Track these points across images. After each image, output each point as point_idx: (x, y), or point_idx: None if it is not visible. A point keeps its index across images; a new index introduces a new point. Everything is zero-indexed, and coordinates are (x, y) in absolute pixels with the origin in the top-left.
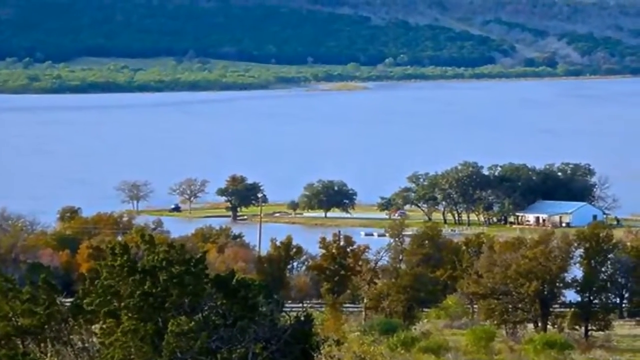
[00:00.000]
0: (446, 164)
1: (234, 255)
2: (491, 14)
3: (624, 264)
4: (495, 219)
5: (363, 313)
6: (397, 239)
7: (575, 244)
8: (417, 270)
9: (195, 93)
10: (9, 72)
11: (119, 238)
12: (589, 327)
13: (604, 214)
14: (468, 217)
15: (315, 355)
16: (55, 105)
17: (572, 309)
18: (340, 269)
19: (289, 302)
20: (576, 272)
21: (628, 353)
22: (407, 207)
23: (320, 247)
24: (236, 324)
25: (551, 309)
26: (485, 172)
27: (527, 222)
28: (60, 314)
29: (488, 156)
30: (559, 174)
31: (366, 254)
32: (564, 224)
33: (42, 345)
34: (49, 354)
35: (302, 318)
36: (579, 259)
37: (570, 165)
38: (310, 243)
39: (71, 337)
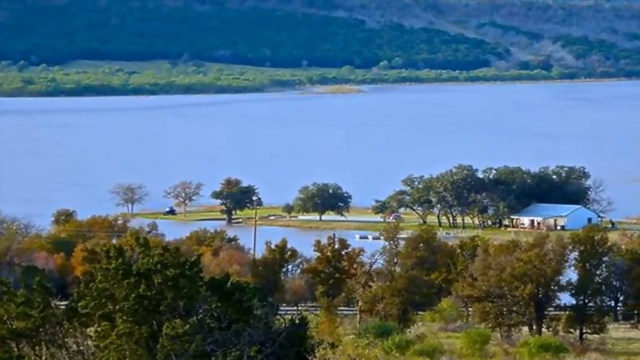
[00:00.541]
0: (441, 167)
1: (229, 259)
2: (486, 17)
3: (618, 267)
4: (490, 222)
5: (358, 316)
6: (391, 242)
7: (570, 247)
8: (411, 273)
9: (190, 96)
10: (4, 75)
11: (114, 241)
12: (584, 330)
13: (599, 216)
14: (463, 220)
15: (310, 358)
16: (50, 108)
17: (567, 312)
18: (335, 272)
19: (284, 305)
20: (571, 275)
21: (623, 356)
22: (401, 210)
23: (315, 250)
24: (231, 327)
25: (546, 312)
26: (480, 175)
27: (522, 225)
28: (55, 317)
29: (483, 159)
30: (554, 176)
31: (361, 257)
32: (558, 227)
33: (36, 348)
34: (43, 357)
35: (297, 321)
36: (573, 262)
37: (565, 168)
38: (305, 246)
39: (66, 340)
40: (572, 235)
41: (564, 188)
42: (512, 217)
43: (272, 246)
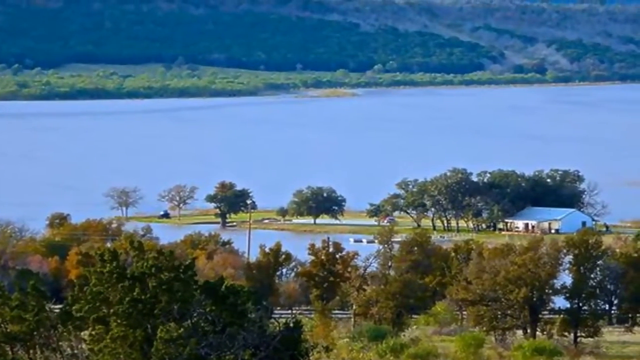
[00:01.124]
0: (435, 171)
1: (223, 262)
2: (480, 21)
3: (613, 270)
4: (484, 226)
5: (352, 319)
6: (386, 245)
7: (565, 251)
8: (406, 276)
9: (185, 99)
10: None
11: (108, 244)
12: (578, 334)
13: (593, 220)
14: (457, 223)
15: None
16: (45, 111)
17: (561, 316)
18: (329, 276)
19: (278, 308)
20: (565, 278)
21: (617, 359)
22: (396, 213)
23: (309, 254)
24: (225, 330)
25: (540, 316)
26: (475, 178)
27: (516, 229)
28: (50, 321)
29: (477, 163)
30: (548, 180)
31: (355, 260)
32: (553, 231)
33: (31, 351)
34: None
35: (291, 324)
36: (568, 265)
37: (560, 172)
38: (300, 249)
39: (60, 343)
40: (567, 238)
41: (559, 191)
42: (506, 220)
43: (267, 250)
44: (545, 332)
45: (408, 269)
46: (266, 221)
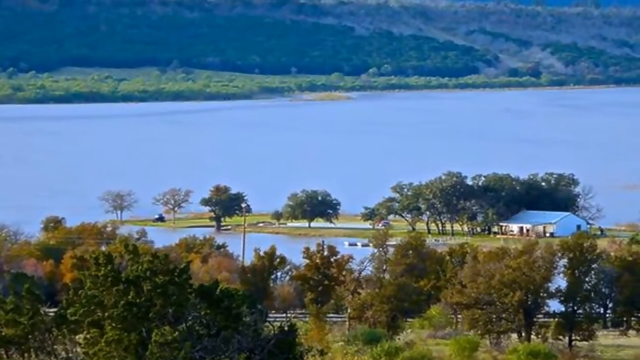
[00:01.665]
0: (430, 174)
1: (218, 265)
2: (475, 24)
3: (607, 274)
4: (479, 229)
5: (347, 323)
6: (380, 249)
7: (559, 254)
8: (400, 280)
9: (179, 103)
10: None
11: (103, 248)
12: (573, 337)
13: (588, 224)
14: (452, 227)
15: None
16: (39, 115)
17: (556, 319)
18: (324, 279)
19: (273, 312)
20: (560, 282)
21: None
22: (391, 217)
23: (304, 257)
24: (220, 334)
25: (535, 319)
26: (469, 182)
27: (511, 232)
28: (44, 324)
29: (472, 166)
30: (543, 184)
31: (350, 264)
32: (547, 234)
33: (25, 355)
34: None
35: (286, 328)
36: (562, 269)
37: (554, 175)
38: (294, 253)
39: (55, 347)
40: (561, 242)
41: (553, 195)
42: (501, 224)
43: (261, 253)
44: (540, 336)
45: (403, 272)
46: (261, 225)
